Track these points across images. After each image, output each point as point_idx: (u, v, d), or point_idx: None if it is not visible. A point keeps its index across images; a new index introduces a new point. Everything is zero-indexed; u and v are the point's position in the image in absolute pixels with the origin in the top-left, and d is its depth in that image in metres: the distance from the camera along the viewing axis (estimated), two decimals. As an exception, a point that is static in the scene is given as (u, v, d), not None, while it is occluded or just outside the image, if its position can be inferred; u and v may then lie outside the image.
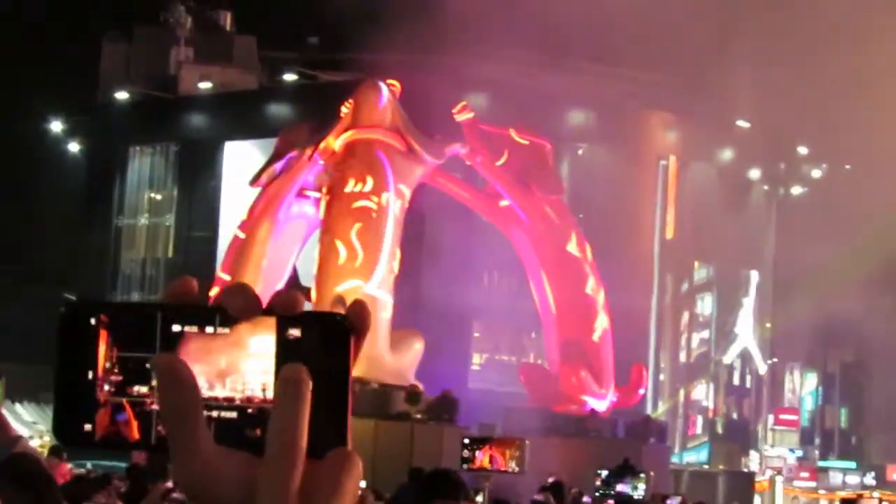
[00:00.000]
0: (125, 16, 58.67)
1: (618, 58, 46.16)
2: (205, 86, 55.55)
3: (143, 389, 1.27)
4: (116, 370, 1.28)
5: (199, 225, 53.74)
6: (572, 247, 38.25)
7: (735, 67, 45.64)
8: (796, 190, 60.67)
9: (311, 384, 1.24)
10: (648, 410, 47.43)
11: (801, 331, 56.19)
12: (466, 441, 9.94)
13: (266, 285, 38.30)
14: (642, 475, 13.47)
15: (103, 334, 1.28)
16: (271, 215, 37.95)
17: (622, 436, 37.66)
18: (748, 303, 59.28)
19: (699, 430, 56.89)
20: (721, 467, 54.06)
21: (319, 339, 1.27)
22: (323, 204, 36.01)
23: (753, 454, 59.59)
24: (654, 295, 52.99)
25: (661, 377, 54.32)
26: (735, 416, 59.87)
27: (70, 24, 59.32)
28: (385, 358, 34.20)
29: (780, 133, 53.50)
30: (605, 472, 14.16)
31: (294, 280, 41.36)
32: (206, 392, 1.26)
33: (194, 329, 1.27)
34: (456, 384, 37.56)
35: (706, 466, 54.38)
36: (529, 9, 40.77)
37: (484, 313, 47.22)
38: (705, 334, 57.98)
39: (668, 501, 13.87)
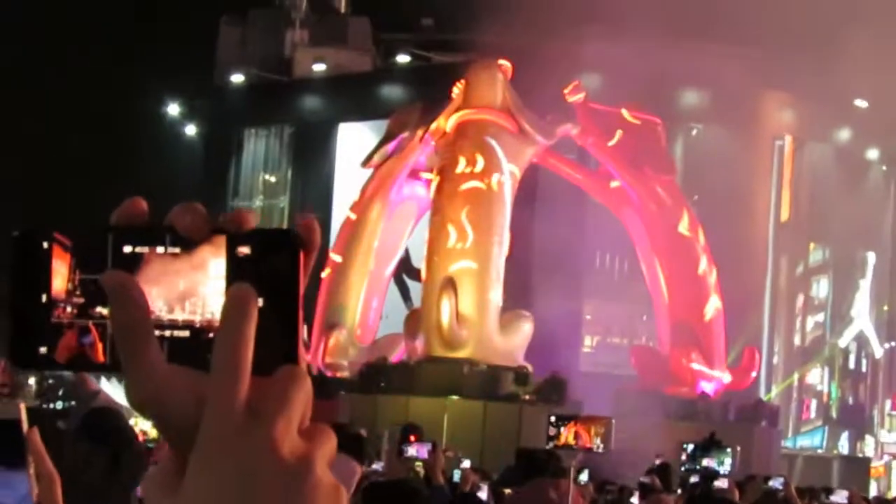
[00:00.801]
0: (241, -1, 59.24)
1: (733, 36, 45.65)
2: (319, 68, 55.90)
3: (105, 311, 1.27)
4: (78, 292, 1.28)
5: (312, 206, 54.11)
6: (684, 228, 38.00)
7: (853, 46, 44.93)
8: (915, 170, 59.60)
9: (257, 301, 1.23)
10: (761, 394, 46.95)
11: (920, 313, 55.33)
12: (553, 419, 9.94)
13: (378, 266, 38.58)
14: (728, 450, 13.32)
15: (64, 256, 1.29)
16: (383, 196, 38.17)
17: (733, 419, 37.38)
18: (865, 285, 58.36)
19: (813, 414, 56.18)
20: (836, 452, 53.45)
21: (269, 256, 1.26)
22: (434, 185, 36.17)
23: (869, 439, 58.72)
24: (769, 277, 52.38)
25: (775, 360, 53.72)
26: (850, 400, 59.03)
27: (186, 8, 60.03)
28: (494, 339, 34.28)
29: (900, 112, 52.52)
30: (690, 447, 14.02)
31: (406, 261, 41.61)
32: (165, 315, 1.26)
33: (145, 249, 1.27)
34: (566, 366, 37.52)
35: (820, 451, 53.76)
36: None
37: (595, 295, 47.03)
38: (820, 317, 57.20)
39: (771, 482, 13.70)
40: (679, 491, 17.22)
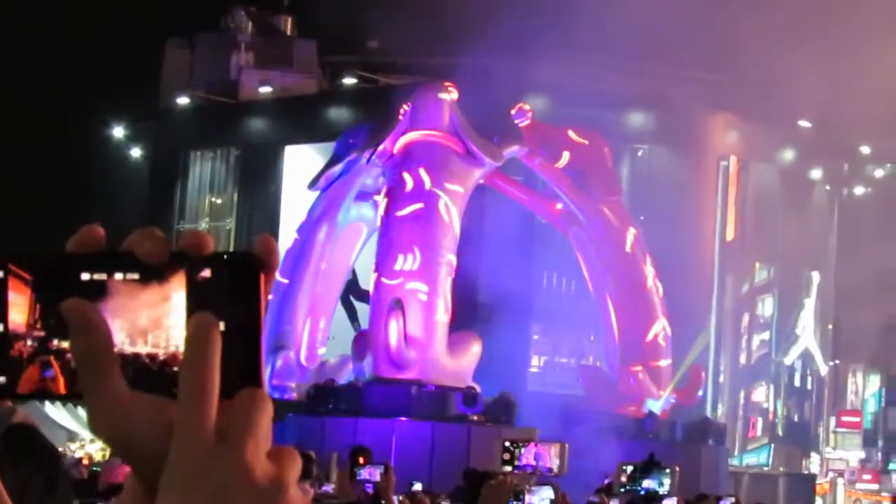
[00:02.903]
0: (187, 22, 59.13)
1: (677, 58, 45.98)
2: (265, 90, 55.82)
3: (65, 344, 1.27)
4: (39, 325, 1.28)
5: (259, 229, 53.94)
6: (630, 248, 38.20)
7: (796, 67, 45.33)
8: (859, 190, 60.12)
9: (220, 326, 1.24)
10: (707, 412, 47.18)
11: (864, 332, 55.72)
12: (507, 443, 9.93)
13: (325, 288, 38.53)
14: (668, 470, 13.38)
15: (23, 289, 1.28)
16: (330, 218, 38.17)
17: (680, 437, 37.56)
18: (809, 304, 58.80)
19: (759, 432, 56.49)
20: (781, 470, 53.72)
21: (229, 279, 1.27)
22: (381, 207, 36.15)
23: (814, 456, 59.12)
24: (715, 296, 52.70)
25: (721, 379, 54.01)
26: (796, 418, 59.40)
27: (131, 31, 59.88)
28: (442, 360, 34.28)
29: (843, 132, 53.04)
30: (630, 468, 14.07)
31: (353, 282, 41.60)
32: (127, 348, 1.26)
33: (104, 276, 1.28)
34: (514, 386, 37.57)
35: (766, 469, 54.04)
36: (588, 10, 40.70)
37: (543, 315, 47.13)
38: (766, 336, 57.57)
39: (721, 502, 13.78)
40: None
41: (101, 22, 62.05)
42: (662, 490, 12.77)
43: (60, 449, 50.83)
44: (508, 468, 9.55)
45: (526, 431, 21.48)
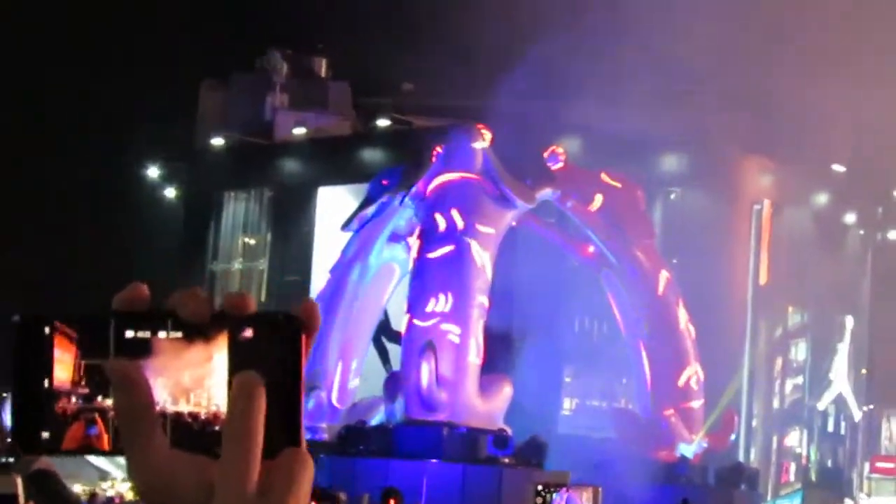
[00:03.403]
0: (222, 63, 59.49)
1: (711, 101, 45.94)
2: (299, 131, 56.08)
3: (109, 403, 1.30)
4: (83, 382, 1.31)
5: (291, 269, 54.13)
6: (663, 291, 38.10)
7: (830, 111, 45.25)
8: (893, 234, 59.86)
9: (263, 389, 1.27)
10: (740, 457, 46.89)
11: (899, 377, 55.35)
12: (540, 487, 9.86)
13: (358, 329, 38.53)
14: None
15: (68, 346, 1.31)
16: (363, 259, 38.21)
17: (713, 482, 37.34)
18: (843, 348, 58.49)
19: (792, 477, 56.09)
20: (815, 515, 53.34)
21: (271, 339, 1.29)
22: (414, 248, 36.17)
23: (848, 503, 58.64)
24: (748, 340, 52.45)
25: (754, 423, 53.70)
26: (829, 463, 58.99)
27: (168, 71, 60.26)
28: (474, 402, 34.22)
29: (877, 176, 52.87)
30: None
31: (385, 323, 41.57)
32: (170, 407, 1.29)
33: (147, 334, 1.30)
34: (545, 429, 37.46)
35: (800, 514, 53.66)
36: (623, 52, 40.76)
37: (575, 358, 47.01)
38: (799, 380, 57.26)
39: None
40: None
41: (138, 63, 62.48)
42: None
43: (92, 488, 51.10)
44: None
45: (558, 475, 21.37)
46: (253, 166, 55.23)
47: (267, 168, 55.43)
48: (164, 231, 57.57)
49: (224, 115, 58.32)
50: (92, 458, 61.22)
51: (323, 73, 60.77)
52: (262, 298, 55.70)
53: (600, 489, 10.12)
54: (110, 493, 52.97)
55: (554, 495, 9.72)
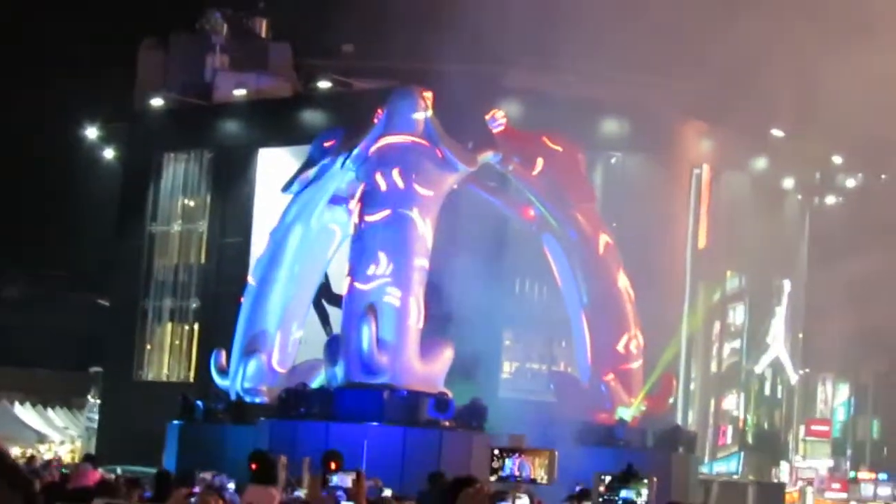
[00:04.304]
0: (161, 23, 59.00)
1: (652, 66, 46.10)
2: (239, 93, 55.73)
3: None
4: None
5: (232, 231, 53.93)
6: (603, 255, 38.26)
7: (770, 76, 45.50)
8: (830, 199, 60.43)
9: None
10: (678, 420, 47.28)
11: (834, 341, 55.95)
12: (496, 452, 9.90)
13: (298, 292, 38.47)
14: (645, 480, 13.46)
15: None
16: (304, 222, 38.10)
17: (651, 445, 37.65)
18: (780, 312, 59.08)
19: (729, 440, 56.67)
20: (751, 478, 53.89)
21: None
22: (355, 211, 36.12)
23: (784, 465, 59.36)
24: (686, 304, 52.83)
25: (692, 386, 54.16)
26: (766, 426, 59.65)
27: (106, 33, 59.70)
28: (415, 365, 34.29)
29: (815, 141, 53.29)
30: (608, 478, 14.15)
31: (326, 286, 41.55)
32: None
33: None
34: (485, 392, 37.61)
35: (736, 477, 54.21)
36: (562, 17, 40.77)
37: (515, 321, 47.17)
38: (736, 344, 57.78)
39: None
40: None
41: (75, 22, 61.89)
42: (640, 500, 12.85)
43: (31, 451, 50.74)
44: (493, 477, 9.54)
45: (515, 439, 21.51)
46: (193, 128, 54.91)
47: (207, 129, 55.12)
48: (103, 193, 57.17)
49: (163, 75, 57.86)
50: (30, 422, 60.78)
51: (263, 33, 60.40)
52: (203, 260, 55.49)
53: (556, 453, 10.18)
54: (48, 455, 52.83)
55: (507, 460, 9.81)
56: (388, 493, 14.71)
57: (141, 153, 56.41)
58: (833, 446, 62.41)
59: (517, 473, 10.12)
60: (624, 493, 13.05)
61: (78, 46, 59.41)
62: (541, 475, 10.54)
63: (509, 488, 14.33)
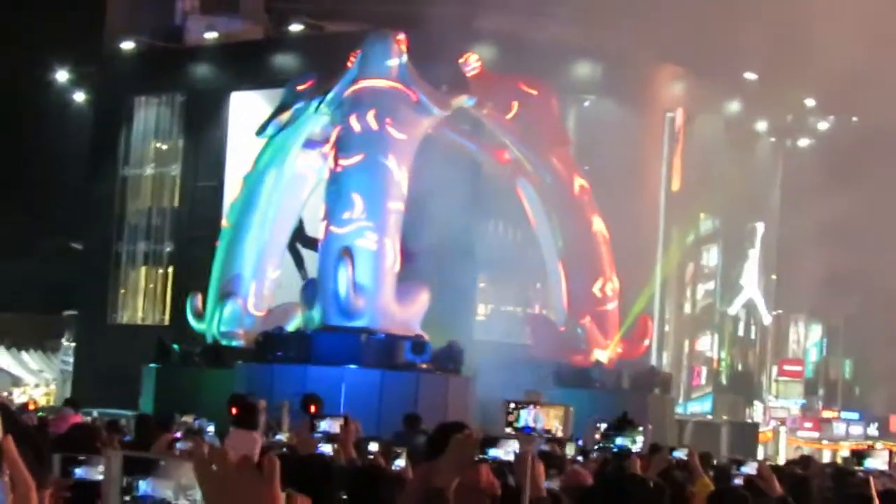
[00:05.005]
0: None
1: (625, 10, 46.01)
2: (210, 36, 55.40)
3: None
4: None
5: (204, 175, 53.80)
6: (578, 197, 38.34)
7: (743, 19, 45.48)
8: (803, 142, 60.62)
9: None
10: (653, 361, 47.58)
11: (806, 282, 56.30)
12: (512, 404, 9.94)
13: (274, 235, 38.48)
14: (640, 428, 13.58)
15: None
16: (278, 166, 38.07)
17: (627, 387, 37.89)
18: (754, 254, 59.39)
19: (703, 380, 57.09)
20: (725, 418, 54.34)
21: None
22: (330, 155, 36.06)
23: (757, 405, 59.85)
24: (660, 246, 53.03)
25: (666, 328, 54.47)
26: (740, 367, 60.10)
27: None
28: (391, 308, 34.37)
29: (788, 84, 53.37)
30: (603, 426, 14.27)
31: (300, 230, 41.54)
32: None
33: None
34: (461, 334, 37.72)
35: (710, 417, 54.64)
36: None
37: (489, 264, 47.24)
38: (710, 286, 58.10)
39: (675, 454, 13.99)
40: (581, 459, 17.50)
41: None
42: (635, 448, 12.95)
43: (5, 393, 50.65)
44: (508, 429, 9.56)
45: (531, 394, 21.70)
46: (164, 71, 54.61)
47: (178, 73, 54.85)
48: (74, 136, 56.86)
49: (133, 18, 57.45)
50: (4, 365, 60.64)
51: (234, -24, 59.96)
52: (176, 204, 55.36)
53: (571, 409, 10.26)
54: (22, 398, 52.84)
55: (522, 411, 9.88)
56: (374, 447, 14.69)
57: (112, 97, 56.12)
58: (805, 386, 62.94)
59: (532, 425, 10.25)
60: (619, 441, 13.14)
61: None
62: (556, 426, 10.66)
63: (525, 440, 14.46)
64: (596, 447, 15.33)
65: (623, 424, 14.32)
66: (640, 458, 12.43)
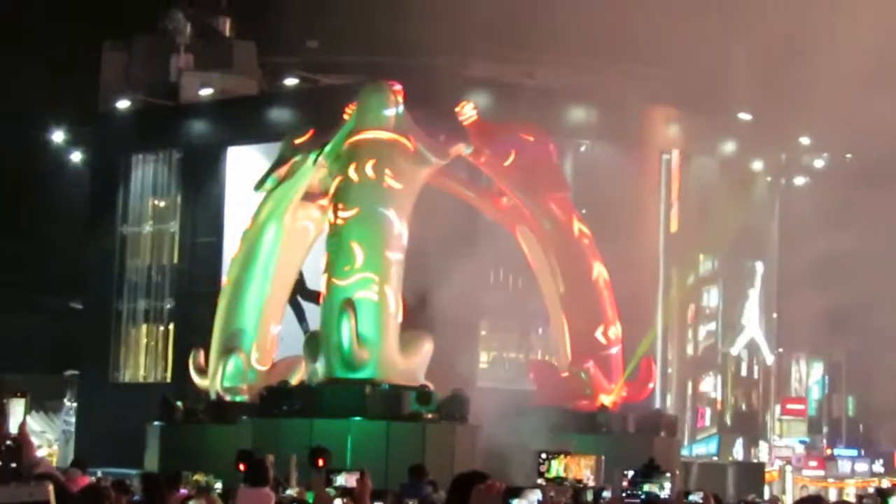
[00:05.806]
0: (124, 24, 58.73)
1: (617, 53, 46.25)
2: (206, 92, 55.62)
3: None
4: None
5: (203, 231, 53.86)
6: (578, 242, 38.37)
7: (735, 60, 45.70)
8: (799, 180, 60.74)
9: None
10: (657, 404, 47.49)
11: (807, 320, 56.22)
12: (543, 455, 9.93)
13: (275, 289, 38.46)
14: (668, 474, 13.58)
15: None
16: (277, 220, 38.10)
17: (633, 430, 37.80)
18: (754, 294, 59.37)
19: (708, 422, 56.97)
20: (731, 459, 54.17)
21: None
22: (330, 207, 36.10)
23: (762, 444, 59.68)
24: (660, 288, 53.04)
25: (669, 370, 54.41)
26: (743, 407, 59.97)
27: (68, 35, 59.36)
28: (395, 359, 34.33)
29: (782, 123, 53.54)
30: (630, 473, 14.26)
31: (300, 283, 41.55)
32: None
33: None
34: (463, 383, 37.65)
35: (716, 458, 54.47)
36: (527, 6, 40.85)
37: (491, 311, 47.24)
38: (712, 326, 58.07)
39: (691, 497, 13.98)
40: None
41: (37, 25, 61.54)
42: (663, 494, 12.95)
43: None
44: (541, 480, 9.55)
45: (561, 444, 21.73)
46: (160, 128, 54.82)
47: (174, 130, 55.05)
48: (72, 195, 56.96)
49: (127, 77, 57.67)
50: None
51: (227, 32, 60.23)
52: (175, 260, 55.38)
53: (602, 457, 10.24)
54: (26, 461, 52.69)
55: (553, 461, 9.86)
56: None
57: (109, 155, 56.28)
58: (809, 424, 62.76)
59: (564, 475, 10.26)
60: (647, 487, 13.14)
61: (40, 50, 59.06)
62: (587, 476, 10.67)
63: (560, 490, 14.44)
64: (623, 494, 15.33)
65: (650, 471, 14.30)
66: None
